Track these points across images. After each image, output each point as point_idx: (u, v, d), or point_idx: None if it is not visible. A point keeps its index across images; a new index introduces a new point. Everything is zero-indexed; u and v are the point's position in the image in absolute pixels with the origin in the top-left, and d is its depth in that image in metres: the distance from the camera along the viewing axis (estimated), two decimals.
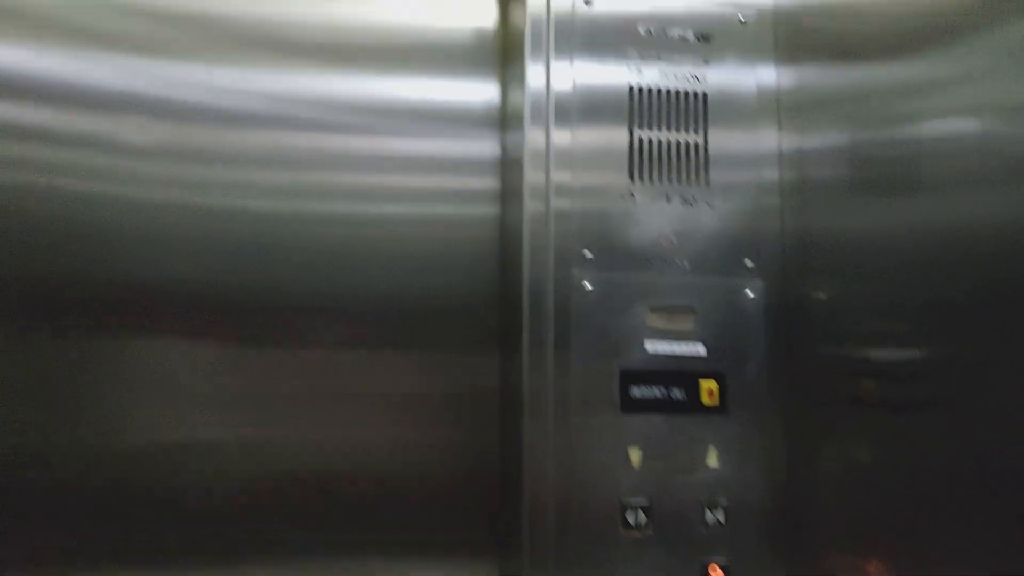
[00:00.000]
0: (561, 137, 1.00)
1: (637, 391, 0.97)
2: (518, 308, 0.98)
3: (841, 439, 0.92)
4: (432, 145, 1.08)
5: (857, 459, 0.89)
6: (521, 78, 1.02)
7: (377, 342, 1.04)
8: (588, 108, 1.01)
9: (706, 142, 1.02)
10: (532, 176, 0.99)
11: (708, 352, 0.99)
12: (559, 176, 0.99)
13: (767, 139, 1.05)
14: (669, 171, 1.01)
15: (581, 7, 1.02)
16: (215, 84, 1.02)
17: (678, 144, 1.02)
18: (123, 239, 0.97)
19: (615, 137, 1.01)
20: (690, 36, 1.04)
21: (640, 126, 1.01)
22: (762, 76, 1.06)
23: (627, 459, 0.96)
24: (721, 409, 0.98)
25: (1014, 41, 0.69)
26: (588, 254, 0.98)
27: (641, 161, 1.01)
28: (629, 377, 0.97)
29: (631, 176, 1.00)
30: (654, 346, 0.98)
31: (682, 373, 0.98)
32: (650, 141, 1.01)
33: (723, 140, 1.03)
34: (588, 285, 0.98)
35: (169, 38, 1.01)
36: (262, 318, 1.01)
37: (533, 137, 0.99)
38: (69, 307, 0.95)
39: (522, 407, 0.95)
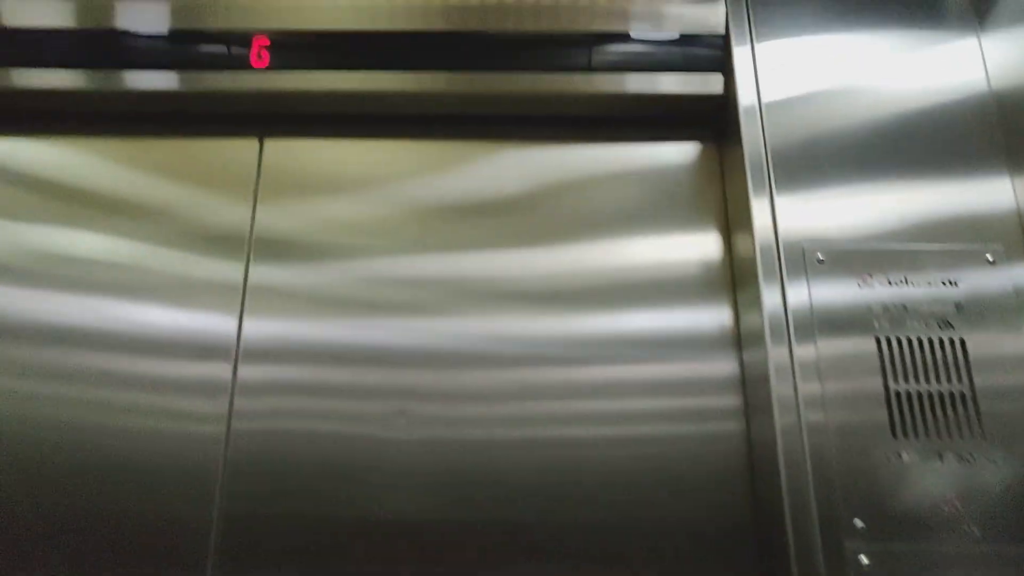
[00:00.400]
0: (805, 352, 0.99)
1: None
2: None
3: None
4: (671, 368, 1.12)
5: None
6: (756, 301, 1.03)
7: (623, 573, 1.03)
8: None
9: (973, 390, 0.96)
10: (780, 388, 0.98)
11: None
12: (807, 387, 0.97)
13: None
14: (936, 426, 0.95)
15: (813, 263, 1.03)
16: (469, 333, 1.14)
17: (940, 395, 0.96)
18: (376, 477, 1.07)
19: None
20: (936, 282, 1.01)
21: (895, 379, 0.97)
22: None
23: None
24: None
25: None
26: (859, 523, 0.92)
27: (902, 417, 0.95)
28: None
29: (894, 433, 0.95)
30: None
31: None
32: (908, 394, 0.96)
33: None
34: (864, 559, 0.90)
35: (427, 299, 1.16)
36: (502, 552, 1.03)
37: (776, 353, 0.99)
38: (326, 547, 1.04)
39: None
